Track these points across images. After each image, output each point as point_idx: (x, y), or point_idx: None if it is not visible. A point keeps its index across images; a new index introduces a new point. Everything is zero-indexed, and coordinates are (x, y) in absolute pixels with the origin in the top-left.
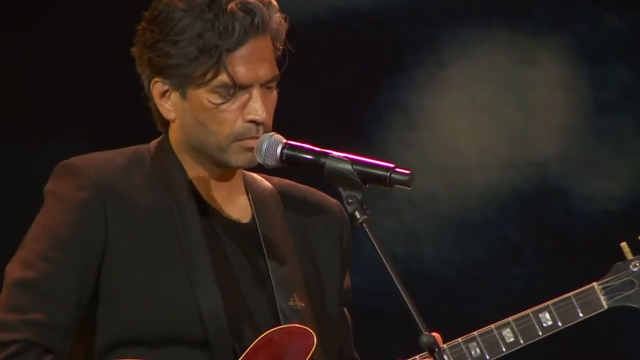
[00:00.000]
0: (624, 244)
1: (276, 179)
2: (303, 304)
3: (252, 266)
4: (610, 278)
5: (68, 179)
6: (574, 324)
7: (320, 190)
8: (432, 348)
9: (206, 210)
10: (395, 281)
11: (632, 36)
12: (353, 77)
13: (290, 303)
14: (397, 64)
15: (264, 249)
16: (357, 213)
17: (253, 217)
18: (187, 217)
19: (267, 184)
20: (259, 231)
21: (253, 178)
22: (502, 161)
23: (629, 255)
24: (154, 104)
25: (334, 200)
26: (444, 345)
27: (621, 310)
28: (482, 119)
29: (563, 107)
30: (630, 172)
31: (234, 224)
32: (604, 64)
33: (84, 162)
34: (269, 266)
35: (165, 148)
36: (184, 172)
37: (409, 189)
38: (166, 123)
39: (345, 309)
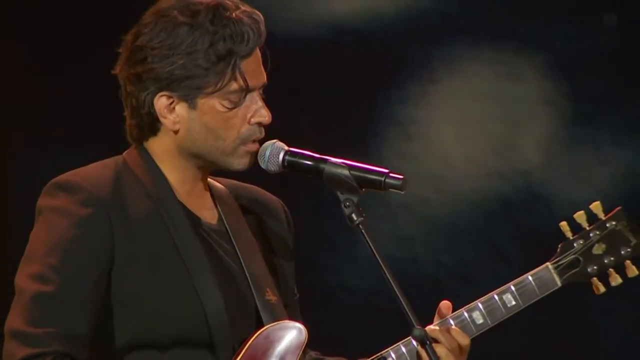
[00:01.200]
0: (563, 224)
1: (223, 180)
2: (275, 297)
3: (230, 265)
4: (559, 257)
5: (67, 195)
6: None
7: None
8: (423, 340)
9: (188, 214)
10: (389, 279)
11: (608, 53)
12: (351, 91)
13: (266, 297)
14: (392, 80)
15: (236, 248)
16: (354, 215)
17: (220, 218)
18: (178, 223)
19: (221, 185)
20: (228, 231)
21: (211, 182)
22: (488, 170)
23: (569, 234)
24: (150, 118)
25: (275, 197)
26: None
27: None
28: (470, 131)
29: (545, 119)
30: (608, 179)
31: (210, 226)
32: (582, 79)
33: (78, 178)
34: (243, 264)
35: (145, 158)
36: (166, 179)
37: (403, 192)
38: (146, 136)
39: (295, 291)
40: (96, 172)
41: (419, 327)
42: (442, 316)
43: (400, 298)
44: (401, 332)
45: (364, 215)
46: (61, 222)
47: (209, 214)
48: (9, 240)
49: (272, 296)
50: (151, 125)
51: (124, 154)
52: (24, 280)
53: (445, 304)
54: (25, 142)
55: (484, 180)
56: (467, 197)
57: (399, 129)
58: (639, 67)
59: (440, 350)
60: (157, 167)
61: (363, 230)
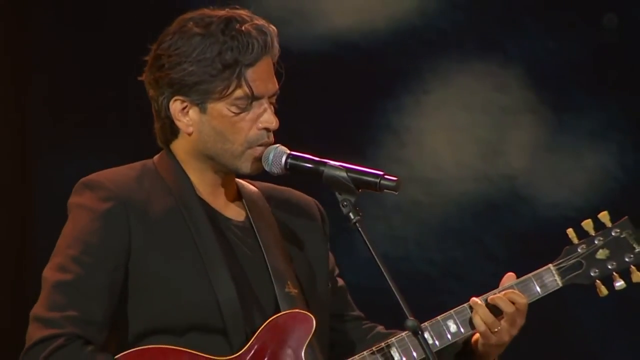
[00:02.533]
0: (570, 230)
1: (258, 183)
2: (296, 290)
3: (251, 259)
4: (562, 260)
5: (90, 193)
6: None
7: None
8: (416, 331)
9: (209, 211)
10: (384, 273)
11: (586, 66)
12: (350, 101)
13: (286, 290)
14: (387, 90)
15: (260, 243)
16: (351, 214)
17: (247, 216)
18: (197, 219)
19: (253, 187)
20: (254, 228)
21: (242, 183)
22: (476, 174)
23: (575, 240)
24: (169, 121)
25: (310, 198)
26: (426, 324)
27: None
28: (459, 138)
29: (529, 127)
30: (587, 184)
31: (233, 223)
32: (563, 90)
33: (102, 178)
34: (265, 258)
35: (170, 159)
36: (189, 179)
37: (397, 193)
38: (170, 139)
39: (338, 278)
40: (120, 172)
41: (412, 318)
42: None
43: (395, 291)
44: (394, 323)
45: (360, 214)
46: (83, 216)
47: (234, 212)
48: (35, 244)
49: (292, 289)
50: (171, 127)
51: (155, 157)
52: (48, 271)
53: (509, 276)
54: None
55: (472, 184)
56: (457, 199)
57: (394, 136)
58: (614, 79)
59: (485, 314)
60: (181, 167)
61: (360, 228)
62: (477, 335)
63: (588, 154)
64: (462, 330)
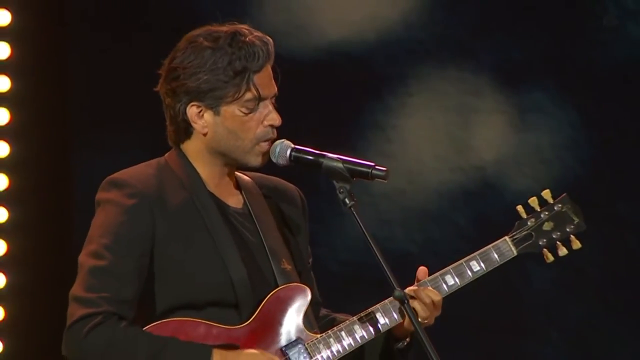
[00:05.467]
0: (519, 207)
1: (250, 173)
2: (290, 267)
3: (252, 241)
4: (515, 232)
5: (117, 190)
6: (494, 269)
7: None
8: (402, 300)
9: (216, 201)
10: (374, 250)
11: (549, 72)
12: (342, 103)
13: (282, 267)
14: (376, 94)
15: (258, 227)
16: (346, 200)
17: (244, 204)
18: (208, 209)
19: (247, 178)
20: (252, 214)
21: (239, 175)
22: (452, 166)
23: (524, 215)
24: (185, 124)
25: (293, 186)
26: (405, 290)
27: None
28: (438, 135)
29: (498, 126)
30: (548, 175)
31: (235, 210)
32: (528, 93)
33: (126, 176)
34: (263, 240)
35: (180, 158)
36: (198, 174)
37: (386, 182)
38: (183, 140)
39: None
40: (141, 171)
41: (398, 289)
42: (419, 279)
43: (384, 266)
44: (383, 295)
45: (355, 199)
46: (113, 211)
47: (235, 200)
48: (75, 230)
49: (287, 265)
50: (185, 130)
51: (166, 155)
52: (83, 257)
53: (422, 270)
54: (86, 145)
55: (448, 174)
56: (435, 187)
57: (381, 133)
58: (574, 83)
59: (417, 305)
60: (191, 164)
61: (354, 212)
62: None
63: (547, 149)
64: (389, 323)
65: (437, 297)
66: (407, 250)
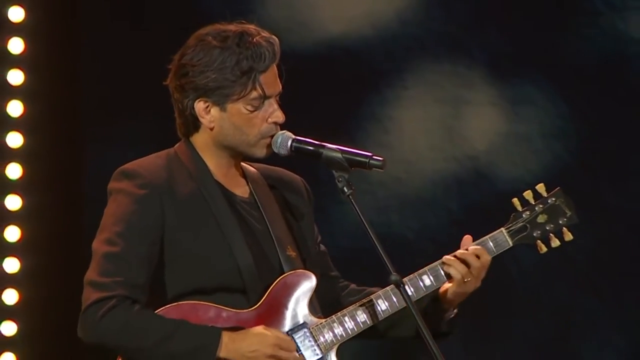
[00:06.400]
0: (515, 200)
1: (256, 164)
2: (295, 253)
3: (258, 229)
4: (511, 224)
5: (128, 181)
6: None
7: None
8: (398, 283)
9: (223, 191)
10: (372, 236)
11: (540, 66)
12: (342, 95)
13: (287, 253)
14: (373, 87)
15: (264, 215)
16: (345, 188)
17: (251, 193)
18: (215, 199)
19: (253, 168)
20: (258, 203)
21: (244, 166)
22: (446, 155)
23: (519, 208)
24: (192, 118)
25: (297, 176)
26: (405, 279)
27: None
28: (432, 127)
29: (490, 117)
30: (538, 164)
31: (242, 199)
32: (519, 86)
33: (137, 167)
34: (269, 228)
35: (189, 149)
36: (206, 165)
37: (383, 171)
38: (191, 132)
39: (320, 244)
40: (151, 162)
41: (394, 273)
42: (464, 246)
43: (380, 251)
44: (380, 278)
45: (353, 188)
46: (124, 200)
47: (241, 190)
48: (85, 217)
49: (292, 252)
50: (193, 123)
51: (175, 146)
52: (97, 244)
53: (467, 238)
54: (97, 136)
55: (442, 163)
56: (430, 176)
57: (378, 125)
58: (564, 77)
59: (453, 269)
60: (199, 156)
61: (352, 200)
62: (445, 286)
63: (537, 139)
64: (434, 283)
65: (486, 255)
66: (403, 235)
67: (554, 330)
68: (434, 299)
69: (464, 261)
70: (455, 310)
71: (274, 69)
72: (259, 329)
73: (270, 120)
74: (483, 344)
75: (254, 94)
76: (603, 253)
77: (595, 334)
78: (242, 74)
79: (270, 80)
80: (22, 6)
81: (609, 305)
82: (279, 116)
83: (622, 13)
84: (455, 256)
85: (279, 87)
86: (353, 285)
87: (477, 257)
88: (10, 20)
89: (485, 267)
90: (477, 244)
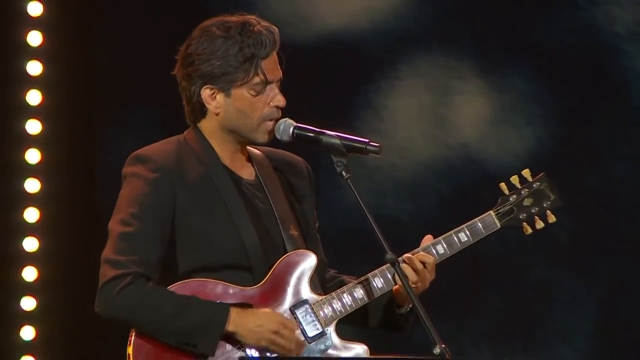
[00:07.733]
0: (502, 184)
1: (261, 148)
2: (297, 232)
3: (262, 209)
4: (499, 207)
5: (142, 165)
6: (480, 240)
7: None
8: (393, 262)
9: (230, 174)
10: (369, 218)
11: (526, 58)
12: (339, 85)
13: (290, 232)
14: (369, 77)
15: (268, 197)
16: (343, 172)
17: (256, 175)
18: (223, 181)
19: (258, 151)
20: (263, 185)
21: (250, 149)
22: (438, 142)
23: (506, 192)
24: (199, 105)
25: (300, 158)
26: (401, 257)
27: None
28: (426, 115)
29: (480, 106)
30: (525, 150)
31: (247, 181)
32: (506, 77)
33: (149, 152)
34: (273, 208)
35: (197, 135)
36: (214, 149)
37: (379, 156)
38: (199, 119)
39: (317, 234)
40: (162, 147)
41: (390, 252)
42: (423, 244)
43: (377, 232)
44: (376, 257)
45: (351, 172)
46: (138, 183)
47: (247, 173)
48: (100, 200)
49: (294, 231)
50: (200, 110)
51: (184, 132)
52: (113, 224)
53: (427, 237)
54: (111, 125)
55: (435, 149)
56: (423, 161)
57: (374, 113)
58: (547, 68)
59: (409, 271)
60: (207, 141)
61: (350, 183)
62: (399, 285)
63: (524, 127)
64: (385, 286)
65: (430, 259)
66: (397, 217)
67: (537, 305)
68: (390, 297)
69: (411, 266)
70: (410, 305)
71: (274, 56)
72: (266, 309)
73: (272, 104)
74: (475, 320)
75: (257, 79)
76: (583, 231)
77: (575, 307)
78: (244, 61)
79: (271, 67)
80: (40, 1)
81: (587, 280)
82: (280, 100)
83: (603, 7)
84: (403, 260)
85: (279, 73)
86: (333, 272)
87: (423, 263)
88: (29, 15)
89: (430, 272)
90: (467, 226)
